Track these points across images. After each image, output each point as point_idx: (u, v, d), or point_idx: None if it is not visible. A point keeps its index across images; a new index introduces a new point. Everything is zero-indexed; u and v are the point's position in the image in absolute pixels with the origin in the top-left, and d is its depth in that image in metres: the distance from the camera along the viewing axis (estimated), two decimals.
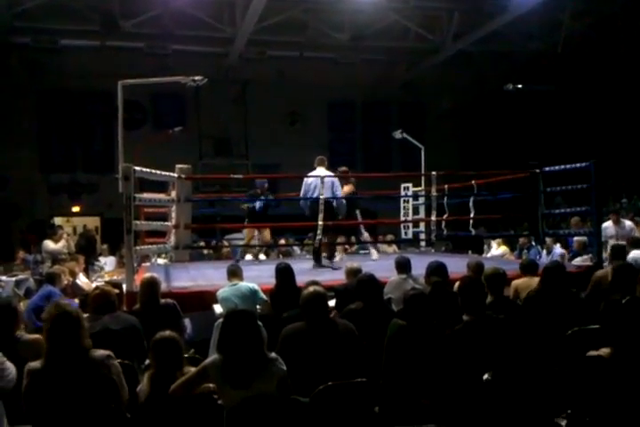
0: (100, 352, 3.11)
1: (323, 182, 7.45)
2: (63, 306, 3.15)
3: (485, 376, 3.40)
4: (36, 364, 3.00)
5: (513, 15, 12.86)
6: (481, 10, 13.13)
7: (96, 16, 13.13)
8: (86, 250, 11.30)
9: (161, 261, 9.82)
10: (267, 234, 9.17)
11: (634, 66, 13.50)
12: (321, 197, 7.41)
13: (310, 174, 7.78)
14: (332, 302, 5.01)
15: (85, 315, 4.36)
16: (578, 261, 8.09)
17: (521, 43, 15.10)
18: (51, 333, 3.04)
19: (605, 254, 7.00)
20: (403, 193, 10.01)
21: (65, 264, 7.14)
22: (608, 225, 8.39)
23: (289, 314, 4.33)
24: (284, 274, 5.20)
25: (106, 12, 13.09)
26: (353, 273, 5.45)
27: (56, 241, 9.65)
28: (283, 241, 11.23)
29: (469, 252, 11.73)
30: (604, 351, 3.02)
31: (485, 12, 13.12)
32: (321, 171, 7.76)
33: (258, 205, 8.77)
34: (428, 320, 3.66)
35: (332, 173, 7.82)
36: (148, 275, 5.00)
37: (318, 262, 7.81)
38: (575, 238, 9.01)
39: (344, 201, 7.86)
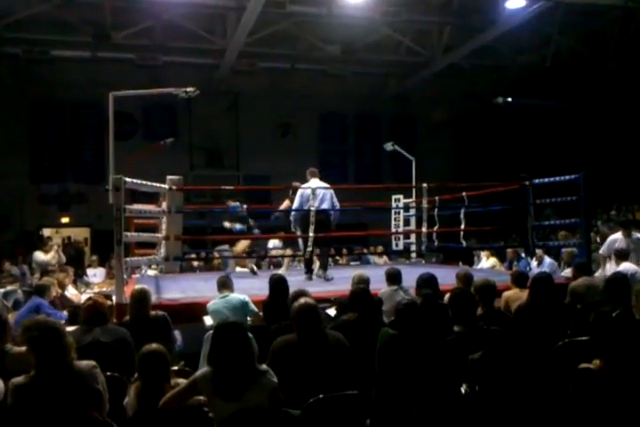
0: (85, 363, 3.08)
1: (314, 194, 7.47)
2: (42, 322, 3.11)
3: (463, 388, 3.38)
4: (19, 379, 2.96)
5: (502, 29, 13.00)
6: (471, 24, 13.26)
7: (88, 27, 13.15)
8: (75, 261, 11.23)
9: (151, 272, 9.77)
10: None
11: (622, 79, 13.65)
12: (312, 208, 7.43)
13: (305, 186, 7.77)
14: (331, 312, 5.04)
15: (75, 327, 4.34)
16: (567, 272, 8.09)
17: (511, 56, 15.26)
18: (33, 349, 3.01)
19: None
20: (394, 205, 10.03)
21: (54, 276, 7.08)
22: (617, 238, 7.52)
23: (279, 325, 4.32)
24: (278, 285, 5.19)
25: (97, 23, 13.11)
26: (361, 283, 5.43)
27: (46, 252, 9.57)
28: (274, 252, 11.20)
29: (460, 263, 11.75)
30: (595, 364, 3.03)
31: (475, 26, 13.24)
32: (315, 182, 7.77)
33: (238, 227, 8.70)
34: (420, 330, 3.65)
35: (327, 185, 7.84)
36: (138, 287, 4.97)
37: (309, 274, 7.80)
38: (564, 249, 9.00)
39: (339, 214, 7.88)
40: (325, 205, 7.56)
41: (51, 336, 3.01)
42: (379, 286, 5.59)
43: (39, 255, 9.51)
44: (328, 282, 7.40)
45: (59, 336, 3.03)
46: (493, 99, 10.18)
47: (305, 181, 7.92)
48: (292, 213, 7.93)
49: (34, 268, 9.81)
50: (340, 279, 7.08)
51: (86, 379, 3.00)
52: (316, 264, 8.12)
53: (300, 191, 7.75)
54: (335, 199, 7.72)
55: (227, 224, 8.64)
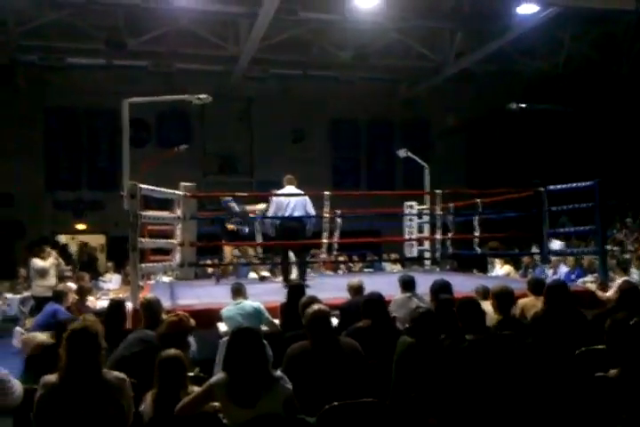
0: (114, 374, 3.01)
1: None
2: (85, 322, 3.05)
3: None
4: (51, 377, 2.94)
5: (514, 35, 12.96)
6: (483, 29, 13.23)
7: (102, 34, 13.27)
8: (89, 267, 11.25)
9: (166, 278, 9.80)
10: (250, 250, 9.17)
11: (635, 84, 13.56)
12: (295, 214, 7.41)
13: (280, 192, 7.77)
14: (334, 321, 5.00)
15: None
16: (587, 279, 8.04)
17: (523, 62, 15.21)
18: (70, 348, 2.94)
19: None
20: (407, 211, 9.99)
21: (80, 283, 7.04)
22: None
23: (293, 333, 4.32)
24: (296, 292, 5.19)
25: (112, 30, 13.24)
26: (354, 290, 5.44)
27: (43, 258, 9.38)
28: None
29: (474, 271, 11.68)
30: (612, 372, 3.00)
31: (487, 31, 13.22)
32: (290, 189, 7.76)
33: (247, 229, 8.63)
34: (436, 338, 3.64)
35: (302, 192, 7.78)
36: (147, 295, 4.99)
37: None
38: (586, 257, 8.90)
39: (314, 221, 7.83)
40: (297, 213, 7.49)
41: (89, 337, 2.95)
42: (392, 292, 5.57)
43: (37, 262, 9.32)
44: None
45: (95, 336, 2.98)
46: (506, 104, 10.14)
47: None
48: (266, 219, 7.98)
49: (32, 274, 9.62)
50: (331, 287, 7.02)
51: (112, 391, 2.95)
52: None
53: (274, 199, 7.71)
54: (310, 207, 7.61)
55: (231, 226, 8.56)
